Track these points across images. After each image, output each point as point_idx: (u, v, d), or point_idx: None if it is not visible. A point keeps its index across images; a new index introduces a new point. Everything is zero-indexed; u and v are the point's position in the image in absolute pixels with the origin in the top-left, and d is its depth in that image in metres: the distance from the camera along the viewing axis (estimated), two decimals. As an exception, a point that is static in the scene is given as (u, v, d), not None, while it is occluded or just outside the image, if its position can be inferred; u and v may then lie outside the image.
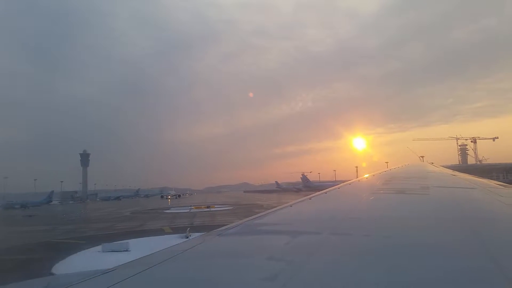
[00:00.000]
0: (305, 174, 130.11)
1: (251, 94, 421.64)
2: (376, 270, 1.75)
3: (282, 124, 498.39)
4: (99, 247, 20.06)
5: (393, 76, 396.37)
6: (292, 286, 1.57)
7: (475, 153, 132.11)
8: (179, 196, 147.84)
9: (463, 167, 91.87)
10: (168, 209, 60.32)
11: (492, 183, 5.24)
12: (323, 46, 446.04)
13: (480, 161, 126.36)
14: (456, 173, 6.62)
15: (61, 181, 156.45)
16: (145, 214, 51.29)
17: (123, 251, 19.12)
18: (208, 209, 52.76)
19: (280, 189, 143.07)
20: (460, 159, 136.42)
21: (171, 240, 19.60)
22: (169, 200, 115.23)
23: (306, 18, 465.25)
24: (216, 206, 58.93)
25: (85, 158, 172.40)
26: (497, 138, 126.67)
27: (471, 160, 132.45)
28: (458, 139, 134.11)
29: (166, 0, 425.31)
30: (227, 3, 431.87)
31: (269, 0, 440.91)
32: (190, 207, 55.97)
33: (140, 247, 19.27)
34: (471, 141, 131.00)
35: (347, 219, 3.01)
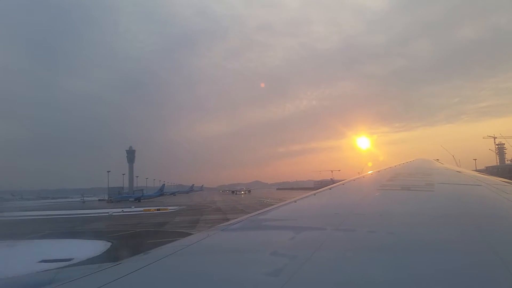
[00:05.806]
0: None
1: (262, 85, 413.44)
2: (381, 266, 1.77)
3: (294, 123, 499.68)
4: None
5: (399, 74, 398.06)
6: (296, 281, 1.57)
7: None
8: (249, 191, 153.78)
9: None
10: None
11: (498, 180, 5.17)
12: (328, 44, 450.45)
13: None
14: (462, 169, 6.57)
15: (108, 171, 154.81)
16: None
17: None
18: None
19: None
20: (497, 159, 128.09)
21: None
22: (242, 194, 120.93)
23: (311, 15, 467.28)
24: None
25: (131, 155, 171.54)
26: None
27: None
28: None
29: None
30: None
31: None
32: None
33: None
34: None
35: (351, 215, 3.00)
